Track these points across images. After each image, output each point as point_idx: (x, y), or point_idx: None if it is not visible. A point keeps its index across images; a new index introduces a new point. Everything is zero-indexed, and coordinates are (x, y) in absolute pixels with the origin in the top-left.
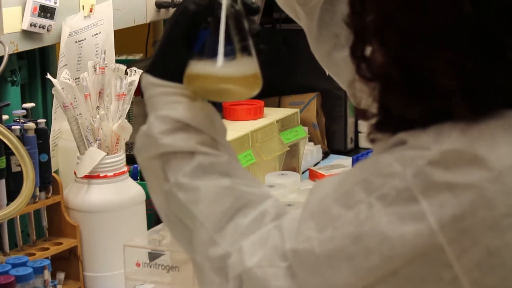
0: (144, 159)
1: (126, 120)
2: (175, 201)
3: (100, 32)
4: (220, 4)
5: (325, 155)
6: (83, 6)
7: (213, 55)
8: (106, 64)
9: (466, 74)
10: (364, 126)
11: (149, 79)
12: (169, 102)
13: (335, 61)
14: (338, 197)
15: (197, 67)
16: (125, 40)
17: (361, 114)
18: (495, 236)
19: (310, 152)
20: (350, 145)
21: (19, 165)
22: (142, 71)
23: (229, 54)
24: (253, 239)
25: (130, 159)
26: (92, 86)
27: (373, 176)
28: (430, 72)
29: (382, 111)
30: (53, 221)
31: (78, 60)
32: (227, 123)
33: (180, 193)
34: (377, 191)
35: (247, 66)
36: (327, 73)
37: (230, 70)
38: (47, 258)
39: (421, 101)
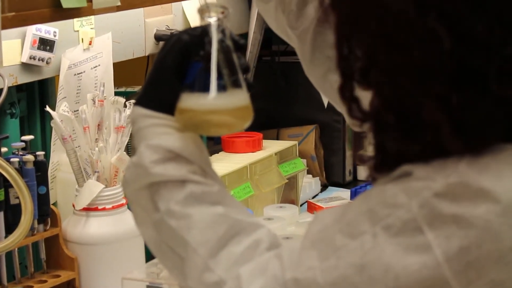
0: (132, 191)
1: (124, 152)
2: (166, 229)
3: (99, 65)
4: (211, 38)
5: (324, 187)
6: (82, 39)
7: (204, 88)
8: (105, 96)
9: (453, 107)
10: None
11: (141, 110)
12: (160, 133)
13: (330, 83)
14: (342, 227)
15: (188, 100)
16: (124, 72)
17: (358, 158)
18: (501, 269)
19: (309, 185)
20: (348, 178)
21: (18, 198)
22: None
23: (221, 87)
24: (251, 267)
25: None
26: (91, 118)
27: (378, 207)
28: (418, 107)
29: (378, 152)
30: (51, 253)
31: (77, 93)
32: (226, 155)
33: (172, 221)
34: (382, 221)
35: (238, 98)
36: (325, 105)
37: (222, 102)
38: None
39: (415, 137)
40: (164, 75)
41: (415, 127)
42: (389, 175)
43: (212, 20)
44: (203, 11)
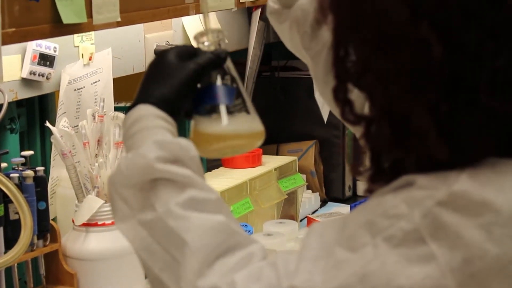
0: (123, 185)
1: None
2: (162, 229)
3: (99, 80)
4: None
5: (323, 203)
6: (82, 54)
7: (219, 112)
8: (105, 112)
9: (441, 115)
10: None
11: (153, 110)
12: (170, 135)
13: None
14: (341, 241)
15: (208, 125)
16: (124, 88)
17: (355, 171)
18: (503, 280)
19: (308, 200)
20: (348, 193)
21: (17, 213)
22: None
23: (239, 111)
24: (245, 273)
25: None
26: (91, 134)
27: (378, 218)
28: (408, 114)
29: (374, 163)
30: (51, 269)
31: (77, 108)
32: (225, 171)
33: (170, 221)
34: (383, 232)
35: (256, 122)
36: (325, 121)
37: (242, 127)
38: None
39: (406, 145)
40: (189, 86)
41: (405, 134)
42: (388, 186)
43: (210, 45)
44: (200, 36)
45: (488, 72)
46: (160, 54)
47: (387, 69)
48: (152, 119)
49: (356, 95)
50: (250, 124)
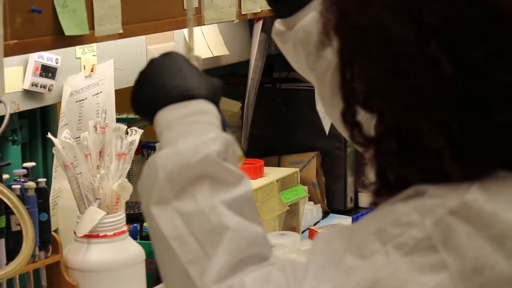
0: (173, 166)
1: (126, 179)
2: (203, 224)
3: (101, 92)
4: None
5: (325, 214)
6: (84, 66)
7: None
8: (106, 123)
9: (454, 133)
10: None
11: (213, 109)
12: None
13: None
14: (351, 248)
15: None
16: (126, 99)
17: (359, 184)
18: None
19: (310, 212)
20: (350, 205)
21: (19, 224)
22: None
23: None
24: (255, 275)
25: (130, 219)
26: (93, 145)
27: (389, 226)
28: (419, 133)
29: (379, 177)
30: (53, 280)
31: (79, 120)
32: None
33: (213, 217)
34: (394, 240)
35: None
36: (327, 132)
37: None
38: None
39: (416, 163)
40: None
41: (416, 153)
42: (397, 196)
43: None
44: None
45: (498, 88)
46: (171, 54)
47: (396, 90)
48: (214, 115)
49: (363, 116)
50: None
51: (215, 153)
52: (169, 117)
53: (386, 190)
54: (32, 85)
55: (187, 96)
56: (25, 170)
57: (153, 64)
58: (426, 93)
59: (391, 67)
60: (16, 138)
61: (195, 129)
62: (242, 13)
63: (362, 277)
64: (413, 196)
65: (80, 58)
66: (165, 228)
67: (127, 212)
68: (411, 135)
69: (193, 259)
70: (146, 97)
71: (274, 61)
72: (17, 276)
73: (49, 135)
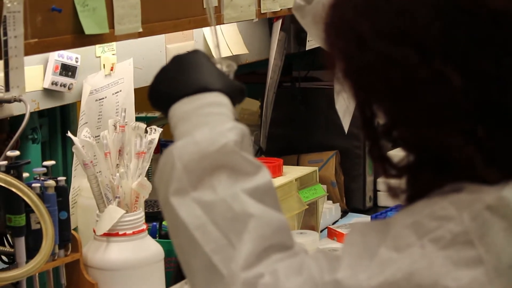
0: (191, 156)
1: (145, 178)
2: (225, 212)
3: (120, 91)
4: None
5: (344, 213)
6: (104, 65)
7: None
8: (126, 122)
9: (480, 139)
10: (383, 185)
11: (228, 101)
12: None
13: None
14: (386, 241)
15: None
16: (145, 98)
17: (392, 192)
18: None
19: (329, 211)
20: (369, 204)
21: (39, 223)
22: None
23: None
24: (287, 264)
25: (149, 217)
26: (112, 144)
27: (425, 219)
28: (447, 148)
29: (410, 186)
30: (72, 279)
31: (98, 118)
32: None
33: (236, 205)
34: (430, 234)
35: None
36: (346, 131)
37: None
38: None
39: (449, 176)
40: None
41: (449, 167)
42: (434, 192)
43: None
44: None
45: None
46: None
47: (414, 114)
48: (227, 110)
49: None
50: None
51: (232, 142)
52: (184, 108)
53: (417, 197)
54: (52, 83)
55: (203, 88)
56: (45, 169)
57: (174, 59)
58: (443, 109)
59: (404, 93)
60: (36, 136)
61: (211, 120)
62: (262, 12)
63: (397, 268)
64: (451, 192)
65: (100, 57)
66: (186, 218)
67: (146, 210)
68: (441, 152)
69: (217, 248)
70: (163, 89)
71: (293, 60)
72: (37, 274)
73: (69, 134)
